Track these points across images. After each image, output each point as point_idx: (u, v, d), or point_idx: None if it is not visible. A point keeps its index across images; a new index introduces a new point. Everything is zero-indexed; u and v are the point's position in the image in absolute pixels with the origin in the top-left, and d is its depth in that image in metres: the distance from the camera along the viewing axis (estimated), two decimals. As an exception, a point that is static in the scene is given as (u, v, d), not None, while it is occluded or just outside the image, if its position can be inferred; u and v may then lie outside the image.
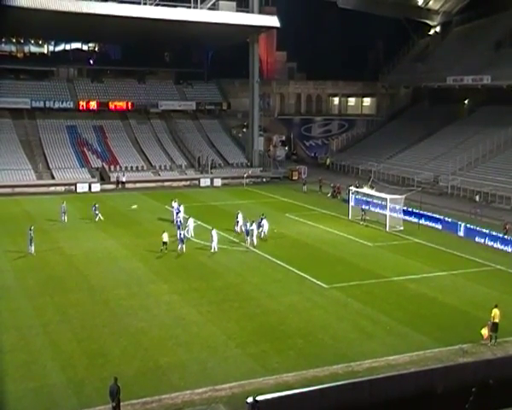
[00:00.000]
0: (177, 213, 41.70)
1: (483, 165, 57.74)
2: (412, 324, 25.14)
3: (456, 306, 27.47)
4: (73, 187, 57.49)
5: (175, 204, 42.93)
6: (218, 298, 27.95)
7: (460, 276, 32.01)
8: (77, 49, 78.34)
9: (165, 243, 34.86)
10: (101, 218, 42.75)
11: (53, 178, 59.59)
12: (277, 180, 65.71)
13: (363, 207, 45.41)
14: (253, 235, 36.92)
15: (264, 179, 65.56)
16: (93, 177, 60.63)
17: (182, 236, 35.54)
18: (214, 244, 35.11)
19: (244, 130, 75.66)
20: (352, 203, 46.77)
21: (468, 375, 18.93)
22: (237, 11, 63.39)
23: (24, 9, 53.00)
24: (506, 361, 20.42)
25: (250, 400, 16.88)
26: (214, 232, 35.37)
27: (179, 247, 35.19)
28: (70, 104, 68.85)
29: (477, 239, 39.18)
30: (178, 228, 37.43)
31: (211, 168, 65.24)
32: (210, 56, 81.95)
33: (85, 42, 78.07)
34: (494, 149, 58.81)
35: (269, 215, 46.24)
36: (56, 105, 68.12)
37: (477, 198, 50.72)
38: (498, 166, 56.47)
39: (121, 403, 18.24)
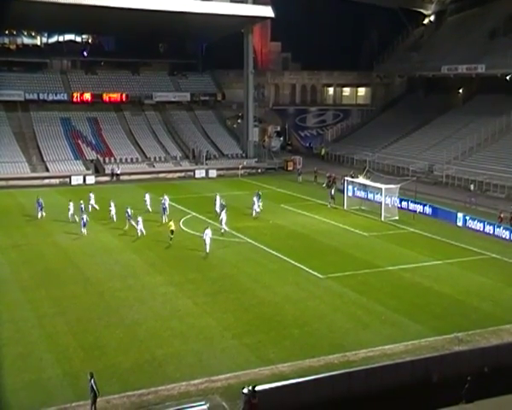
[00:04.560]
0: (111, 209, 40.58)
1: (478, 154, 57.81)
2: (407, 313, 25.21)
3: (452, 295, 27.53)
4: (68, 179, 57.34)
5: (112, 204, 41.17)
6: (213, 289, 27.95)
7: (455, 265, 32.08)
8: (70, 41, 77.80)
9: (172, 232, 35.14)
10: (44, 215, 41.30)
11: (47, 170, 59.34)
12: (272, 171, 65.60)
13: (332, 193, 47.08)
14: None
15: (260, 170, 65.44)
16: (87, 169, 60.41)
17: (84, 220, 37.02)
18: (207, 244, 33.04)
19: (239, 121, 75.49)
20: (349, 194, 46.80)
21: (463, 363, 19.05)
22: (231, 1, 63.07)
23: (19, 1, 52.68)
24: (500, 349, 20.52)
25: (246, 390, 16.92)
26: (208, 232, 33.47)
27: (82, 230, 36.87)
28: (64, 96, 68.38)
29: (472, 228, 39.28)
30: (81, 211, 38.54)
31: (205, 159, 65.11)
32: (204, 47, 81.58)
33: (79, 33, 77.54)
34: (489, 137, 58.89)
35: (264, 206, 46.31)
36: (50, 97, 67.63)
37: (472, 187, 50.76)
38: (493, 154, 56.55)
39: (116, 395, 18.48)
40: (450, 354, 20.51)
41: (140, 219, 36.70)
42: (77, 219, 39.03)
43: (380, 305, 26.08)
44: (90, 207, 42.15)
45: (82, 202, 40.37)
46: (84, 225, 37.11)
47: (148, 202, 43.63)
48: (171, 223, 35.65)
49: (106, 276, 29.75)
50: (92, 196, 43.62)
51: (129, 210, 38.52)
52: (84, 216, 37.53)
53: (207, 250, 32.91)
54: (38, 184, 55.44)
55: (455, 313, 25.45)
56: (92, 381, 17.46)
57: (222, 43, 74.76)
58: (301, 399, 17.36)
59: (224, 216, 38.00)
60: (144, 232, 36.48)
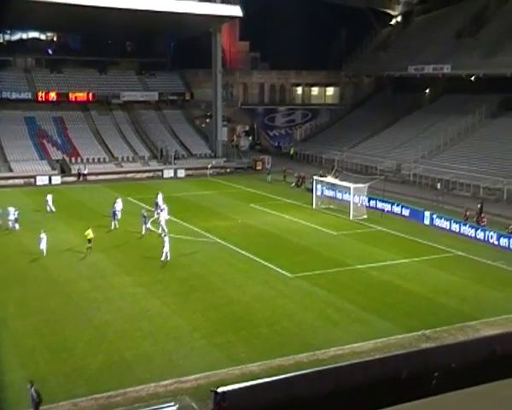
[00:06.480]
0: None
1: (444, 153, 58.53)
2: (376, 311, 25.35)
3: (419, 292, 27.77)
4: (33, 180, 56.43)
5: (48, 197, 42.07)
6: (182, 289, 27.77)
7: (423, 263, 32.39)
8: (34, 39, 76.25)
9: (90, 241, 32.75)
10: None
11: (11, 170, 58.23)
12: (241, 170, 65.47)
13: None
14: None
15: (228, 170, 65.27)
16: (53, 169, 59.47)
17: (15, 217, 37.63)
18: (166, 250, 31.32)
19: (207, 120, 75.21)
20: (318, 193, 46.91)
21: (430, 360, 19.22)
22: (200, 1, 62.76)
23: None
24: (467, 345, 20.77)
25: (217, 389, 16.82)
26: (166, 239, 31.78)
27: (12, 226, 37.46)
28: (28, 95, 67.13)
29: (439, 226, 39.75)
30: None
31: (174, 159, 64.71)
32: (172, 46, 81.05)
33: (43, 31, 76.13)
34: (455, 137, 59.64)
35: (233, 205, 46.40)
36: (14, 96, 66.29)
37: (438, 186, 51.33)
38: (459, 153, 57.31)
39: (83, 398, 18.20)
40: (418, 350, 20.69)
41: (43, 236, 32.57)
42: None
43: (349, 303, 26.19)
44: None
45: None
46: (16, 221, 37.44)
47: (49, 203, 42.66)
48: (90, 231, 32.91)
49: (73, 277, 29.32)
50: None
51: (14, 212, 37.81)
52: (16, 212, 37.60)
53: (162, 258, 31.13)
54: (2, 184, 54.40)
55: (423, 310, 25.68)
56: (33, 389, 16.93)
57: (190, 42, 74.52)
58: (271, 398, 17.32)
59: (163, 217, 37.43)
60: (44, 253, 32.32)
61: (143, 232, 36.84)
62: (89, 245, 32.87)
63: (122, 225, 38.61)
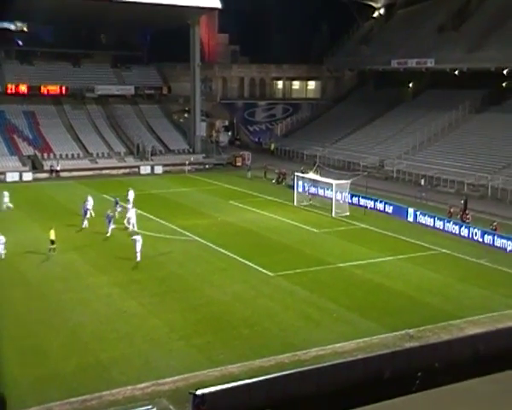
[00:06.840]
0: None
1: (428, 148, 58.34)
2: (359, 310, 24.96)
3: (403, 291, 27.48)
4: (2, 176, 55.16)
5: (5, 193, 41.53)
6: (160, 289, 27.18)
7: (406, 260, 32.05)
8: (3, 29, 74.40)
9: (53, 242, 31.52)
10: None
11: (-22, 166, 57.03)
12: (220, 167, 64.77)
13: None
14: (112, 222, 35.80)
15: (207, 166, 64.54)
16: (24, 165, 58.27)
17: None
18: (138, 249, 30.24)
19: (186, 115, 74.51)
20: (300, 189, 46.42)
21: (414, 359, 18.93)
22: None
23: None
24: (451, 345, 20.57)
25: (196, 392, 16.37)
26: (139, 237, 30.67)
27: None
28: (-4, 88, 65.60)
29: (422, 223, 39.43)
30: None
31: (151, 155, 63.82)
32: (149, 39, 79.87)
33: (12, 21, 74.27)
34: (438, 132, 59.49)
35: (212, 203, 45.86)
36: (-19, 89, 64.87)
37: (422, 182, 51.09)
38: (443, 149, 57.08)
39: (57, 402, 17.59)
40: (402, 350, 20.40)
41: (2, 238, 31.07)
42: None
43: (331, 302, 25.78)
44: None
45: None
46: None
47: (6, 200, 41.50)
48: (52, 231, 31.64)
49: (47, 277, 28.55)
50: None
51: None
52: None
53: (138, 259, 30.23)
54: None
55: (406, 309, 25.38)
56: None
57: (168, 34, 73.36)
58: (252, 400, 16.87)
59: (133, 215, 36.72)
60: (3, 256, 30.97)
61: (108, 234, 35.37)
62: (52, 246, 31.69)
63: (96, 223, 37.50)
